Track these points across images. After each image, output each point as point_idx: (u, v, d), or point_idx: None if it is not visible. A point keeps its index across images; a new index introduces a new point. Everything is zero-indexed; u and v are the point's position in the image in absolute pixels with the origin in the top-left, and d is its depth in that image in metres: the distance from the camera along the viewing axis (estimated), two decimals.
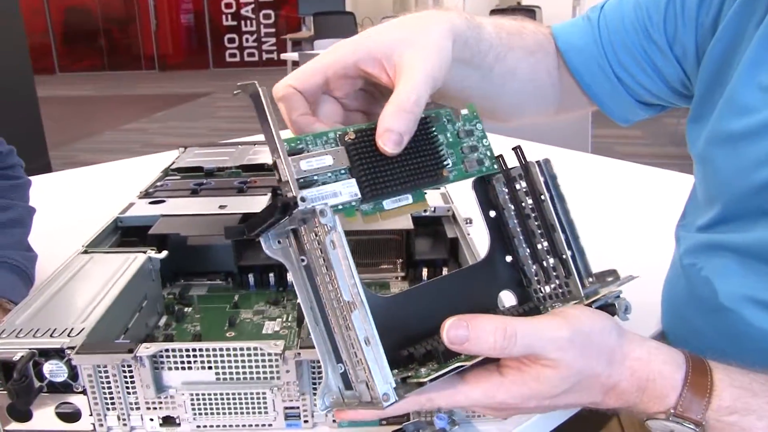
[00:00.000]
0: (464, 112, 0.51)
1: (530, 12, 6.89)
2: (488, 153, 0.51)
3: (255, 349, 0.52)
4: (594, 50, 0.68)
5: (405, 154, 0.46)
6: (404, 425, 0.53)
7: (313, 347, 0.46)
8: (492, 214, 0.51)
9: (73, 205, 1.21)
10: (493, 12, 7.06)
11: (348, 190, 0.44)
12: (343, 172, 0.45)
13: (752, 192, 0.56)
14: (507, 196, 0.51)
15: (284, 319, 0.71)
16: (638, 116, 0.73)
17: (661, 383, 0.45)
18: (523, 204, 0.50)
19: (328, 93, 0.51)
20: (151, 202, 0.88)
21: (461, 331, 0.40)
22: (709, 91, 0.62)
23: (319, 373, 0.53)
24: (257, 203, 0.85)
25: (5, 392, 0.52)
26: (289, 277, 0.78)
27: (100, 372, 0.53)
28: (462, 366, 0.41)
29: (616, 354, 0.45)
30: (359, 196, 0.44)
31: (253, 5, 10.37)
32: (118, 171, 1.44)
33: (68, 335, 0.54)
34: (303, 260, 0.42)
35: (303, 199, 0.40)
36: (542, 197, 0.49)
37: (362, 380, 0.40)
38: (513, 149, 0.50)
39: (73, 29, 10.50)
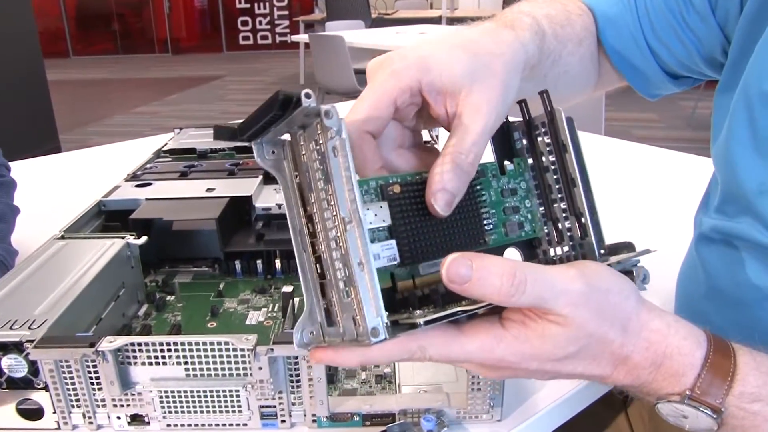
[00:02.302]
0: (509, 167, 0.45)
1: None
2: (530, 216, 0.45)
3: (226, 343, 0.48)
4: (628, 19, 0.63)
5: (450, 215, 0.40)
6: (389, 426, 0.49)
7: (290, 342, 0.42)
8: (508, 164, 0.46)
9: (68, 187, 1.18)
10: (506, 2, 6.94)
11: (387, 253, 0.38)
12: (381, 229, 0.39)
13: None
14: (526, 147, 0.46)
15: (270, 309, 0.67)
16: (667, 90, 0.68)
17: (679, 360, 0.40)
18: (543, 155, 0.45)
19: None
20: (137, 185, 0.84)
21: (463, 270, 0.35)
22: (741, 53, 0.56)
23: (297, 369, 0.49)
24: (247, 186, 0.81)
25: None
26: (275, 263, 0.74)
27: (62, 367, 0.49)
28: (463, 312, 0.35)
29: (632, 322, 0.39)
30: (398, 261, 0.39)
31: None
32: (119, 153, 1.41)
33: (29, 327, 0.50)
34: (296, 176, 0.37)
35: (308, 96, 0.33)
36: (565, 147, 0.43)
37: (349, 315, 0.34)
38: (540, 93, 0.44)
39: (87, 13, 10.51)
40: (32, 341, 0.49)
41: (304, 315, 0.36)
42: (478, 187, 0.43)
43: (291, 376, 0.49)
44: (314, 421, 0.50)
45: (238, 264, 0.75)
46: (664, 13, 0.61)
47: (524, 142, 0.45)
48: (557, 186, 0.44)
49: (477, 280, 0.35)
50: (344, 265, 0.34)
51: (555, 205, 0.45)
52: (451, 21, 7.01)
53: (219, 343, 0.48)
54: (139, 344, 0.49)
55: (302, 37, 4.85)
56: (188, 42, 10.75)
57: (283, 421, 0.50)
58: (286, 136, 0.38)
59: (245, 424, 0.51)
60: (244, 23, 10.48)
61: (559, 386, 0.57)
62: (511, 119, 0.46)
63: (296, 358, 0.48)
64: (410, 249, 0.39)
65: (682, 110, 4.77)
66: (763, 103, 0.52)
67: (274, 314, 0.66)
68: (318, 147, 0.35)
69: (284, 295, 0.64)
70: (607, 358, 0.39)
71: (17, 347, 0.49)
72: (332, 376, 0.55)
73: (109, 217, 0.79)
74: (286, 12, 10.33)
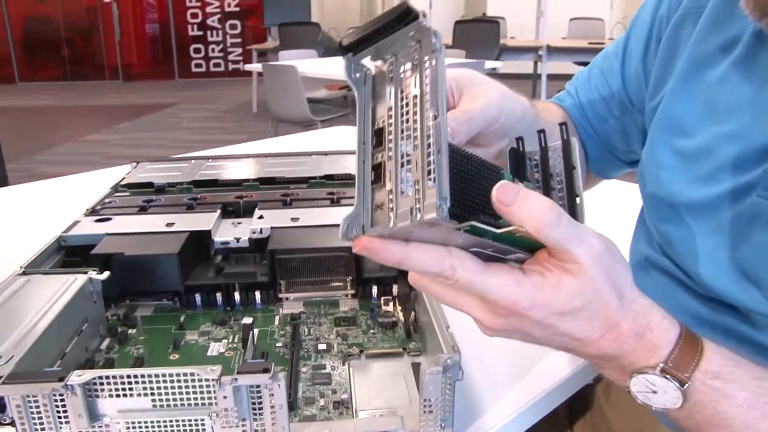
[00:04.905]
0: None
1: (494, 23, 6.95)
2: None
3: (191, 374, 0.50)
4: (581, 117, 0.80)
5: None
6: None
7: (252, 372, 0.48)
8: (517, 182, 0.51)
9: (22, 221, 1.18)
10: (458, 23, 7.12)
11: None
12: None
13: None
14: (536, 169, 0.52)
15: (230, 340, 0.69)
16: (621, 171, 0.84)
17: (658, 334, 0.46)
18: (551, 175, 0.51)
19: None
20: (96, 220, 0.85)
21: (512, 191, 0.40)
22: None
23: (259, 397, 0.51)
24: (205, 220, 0.84)
25: None
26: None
27: (29, 402, 0.51)
28: (508, 230, 0.41)
29: (627, 292, 0.45)
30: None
31: (219, 15, 10.32)
32: (73, 185, 1.41)
33: None
34: (376, 84, 0.43)
35: (424, 15, 0.39)
36: (576, 170, 0.50)
37: (407, 200, 0.38)
38: (559, 124, 0.52)
39: (34, 38, 10.31)
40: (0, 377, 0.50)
41: (352, 213, 0.40)
42: None
43: (254, 404, 0.52)
44: None
45: (198, 297, 0.77)
46: (596, 102, 0.79)
47: (535, 167, 0.52)
48: (560, 203, 0.50)
49: (521, 202, 0.40)
50: (419, 165, 0.38)
51: None
52: None
53: (185, 374, 0.50)
54: (107, 377, 0.51)
55: (255, 67, 4.88)
56: (139, 69, 10.65)
57: None
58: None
59: None
60: (197, 51, 10.47)
61: (506, 406, 0.61)
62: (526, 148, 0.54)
63: (258, 386, 0.51)
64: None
65: None
66: (646, 202, 0.67)
67: (235, 345, 0.68)
68: (415, 63, 0.40)
69: (244, 326, 0.67)
70: (601, 321, 0.44)
71: None
72: (292, 403, 0.58)
73: (69, 253, 0.80)
74: (239, 40, 10.36)
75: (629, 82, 0.74)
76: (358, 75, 0.44)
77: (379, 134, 0.42)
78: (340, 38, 0.43)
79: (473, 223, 0.39)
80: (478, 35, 6.71)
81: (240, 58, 10.32)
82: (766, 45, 0.56)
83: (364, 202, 0.41)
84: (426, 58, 0.39)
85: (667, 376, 0.44)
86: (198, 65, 10.55)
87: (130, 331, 0.72)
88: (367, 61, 0.44)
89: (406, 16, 0.39)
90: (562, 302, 0.43)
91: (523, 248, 0.44)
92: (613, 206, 1.22)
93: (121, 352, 0.68)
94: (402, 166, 0.39)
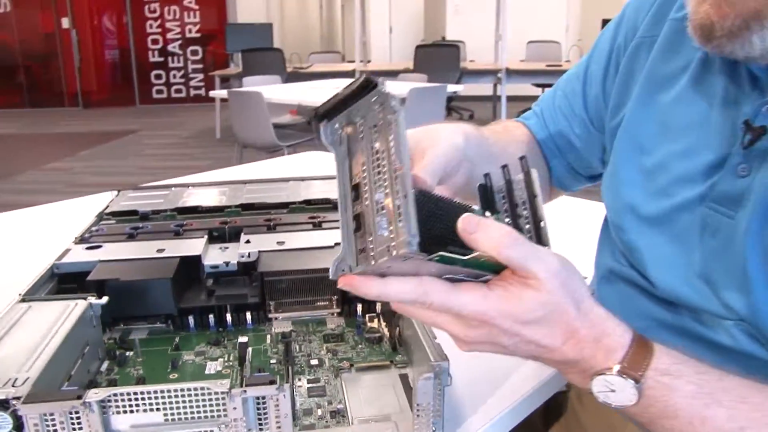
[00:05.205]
0: (490, 216, 0.56)
1: (454, 47, 7.10)
2: None
3: (202, 388, 0.54)
4: (542, 133, 0.87)
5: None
6: None
7: (260, 384, 0.53)
8: (488, 214, 0.56)
9: (5, 250, 1.20)
10: (419, 47, 7.25)
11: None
12: None
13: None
14: (503, 200, 0.58)
15: (225, 359, 0.73)
16: (580, 184, 0.91)
17: (614, 339, 0.51)
18: (517, 206, 0.57)
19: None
20: (87, 248, 0.88)
21: (473, 221, 0.47)
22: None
23: (265, 408, 0.55)
24: (194, 246, 0.87)
25: None
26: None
27: (46, 420, 0.54)
28: (473, 256, 0.46)
29: (583, 303, 0.50)
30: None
31: (180, 41, 10.31)
32: (49, 214, 1.43)
33: (12, 385, 0.55)
34: (351, 144, 0.50)
35: (382, 83, 0.46)
36: (537, 199, 0.56)
37: (384, 245, 0.44)
38: (519, 159, 0.58)
39: None
40: (18, 398, 0.53)
41: (339, 256, 0.47)
42: None
43: (259, 415, 0.56)
44: None
45: (191, 319, 0.80)
46: (560, 122, 0.86)
47: (502, 198, 0.58)
48: (527, 227, 0.56)
49: (482, 230, 0.46)
50: (390, 209, 0.44)
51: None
52: (364, 74, 7.25)
53: (196, 389, 0.54)
54: (122, 394, 0.54)
55: (220, 93, 4.91)
56: (99, 95, 10.56)
57: None
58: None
59: None
60: (158, 77, 10.43)
61: (487, 411, 0.66)
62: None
63: (264, 398, 0.55)
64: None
65: None
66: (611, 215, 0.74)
67: (231, 363, 0.72)
68: (379, 124, 0.47)
69: (240, 345, 0.71)
70: (562, 328, 0.50)
71: (2, 405, 0.54)
72: (292, 414, 0.62)
73: (62, 279, 0.83)
74: (200, 66, 10.36)
75: (590, 104, 0.81)
76: (333, 138, 0.51)
77: (356, 188, 0.49)
78: (314, 107, 0.51)
79: (442, 253, 0.45)
80: (439, 59, 6.85)
81: (202, 84, 10.32)
82: (711, 70, 0.63)
83: (349, 246, 0.48)
84: (389, 118, 0.46)
85: (624, 376, 0.50)
86: (159, 91, 10.51)
87: (127, 353, 0.75)
88: (339, 125, 0.51)
89: (367, 86, 0.47)
90: (525, 311, 0.48)
91: (490, 270, 0.50)
92: (578, 225, 1.29)
93: (122, 373, 0.71)
94: (378, 212, 0.46)
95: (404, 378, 0.69)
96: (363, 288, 0.47)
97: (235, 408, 0.54)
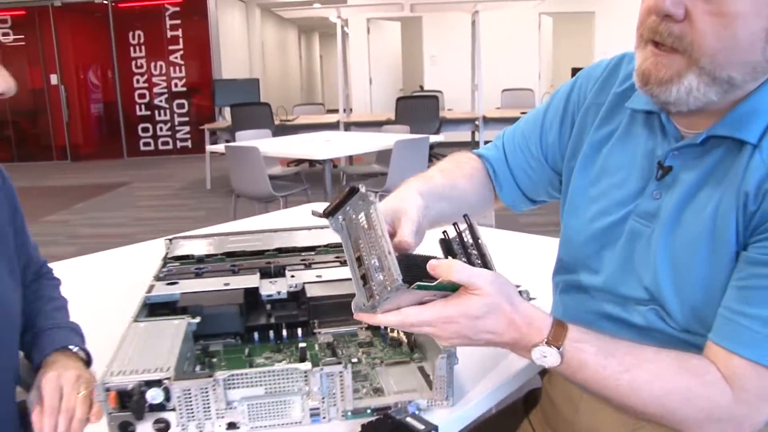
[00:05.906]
0: None
1: (433, 98, 7.48)
2: None
3: (291, 369, 0.81)
4: (501, 161, 1.10)
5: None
6: (389, 411, 0.83)
7: (333, 364, 0.80)
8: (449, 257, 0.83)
9: (83, 289, 1.44)
10: (400, 99, 7.62)
11: None
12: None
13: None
14: (458, 246, 0.84)
15: (288, 360, 0.99)
16: (527, 205, 1.15)
17: (540, 322, 0.78)
18: (467, 246, 0.83)
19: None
20: (168, 284, 1.15)
21: (435, 262, 0.73)
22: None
23: (332, 382, 0.82)
24: (251, 280, 1.14)
25: (117, 415, 0.78)
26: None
27: (187, 394, 0.80)
28: (439, 281, 0.72)
29: (515, 300, 0.77)
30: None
31: (166, 95, 10.62)
32: (105, 260, 1.68)
33: (161, 371, 0.81)
34: (350, 236, 0.80)
35: (362, 187, 0.78)
36: (480, 240, 0.82)
37: (380, 283, 0.72)
38: (463, 216, 0.84)
39: None
40: (168, 378, 0.79)
41: (355, 300, 0.76)
42: None
43: (330, 386, 0.82)
44: (343, 415, 0.83)
45: (256, 334, 1.06)
46: (518, 157, 1.09)
47: (458, 243, 0.84)
48: (477, 261, 0.82)
49: (442, 265, 0.73)
50: (381, 264, 0.73)
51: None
52: (348, 126, 7.60)
53: (288, 370, 0.81)
54: (238, 374, 0.80)
55: (218, 148, 5.18)
56: (87, 149, 10.81)
57: (324, 418, 0.83)
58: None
59: (300, 422, 0.83)
60: (145, 129, 10.70)
61: (483, 386, 0.93)
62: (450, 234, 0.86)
63: (332, 374, 0.81)
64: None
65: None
66: (566, 232, 1.01)
67: (293, 363, 0.98)
68: (364, 212, 0.77)
69: (302, 349, 0.97)
70: (504, 318, 0.76)
71: (157, 383, 0.79)
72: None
73: (152, 308, 1.09)
74: (186, 119, 10.65)
75: (545, 148, 1.07)
76: (337, 226, 0.82)
77: (359, 259, 0.78)
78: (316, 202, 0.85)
79: (418, 283, 0.72)
80: (419, 109, 7.22)
81: (188, 136, 10.61)
82: (636, 123, 0.92)
83: (360, 293, 0.76)
84: (369, 208, 0.78)
85: (551, 345, 0.77)
86: (146, 144, 10.77)
87: (213, 359, 1.01)
88: (342, 217, 0.82)
89: (354, 192, 0.80)
90: (475, 309, 0.74)
91: (450, 290, 0.75)
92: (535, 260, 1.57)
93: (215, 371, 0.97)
94: (375, 270, 0.75)
95: (421, 369, 0.96)
96: (368, 320, 0.76)
97: (315, 382, 0.80)
